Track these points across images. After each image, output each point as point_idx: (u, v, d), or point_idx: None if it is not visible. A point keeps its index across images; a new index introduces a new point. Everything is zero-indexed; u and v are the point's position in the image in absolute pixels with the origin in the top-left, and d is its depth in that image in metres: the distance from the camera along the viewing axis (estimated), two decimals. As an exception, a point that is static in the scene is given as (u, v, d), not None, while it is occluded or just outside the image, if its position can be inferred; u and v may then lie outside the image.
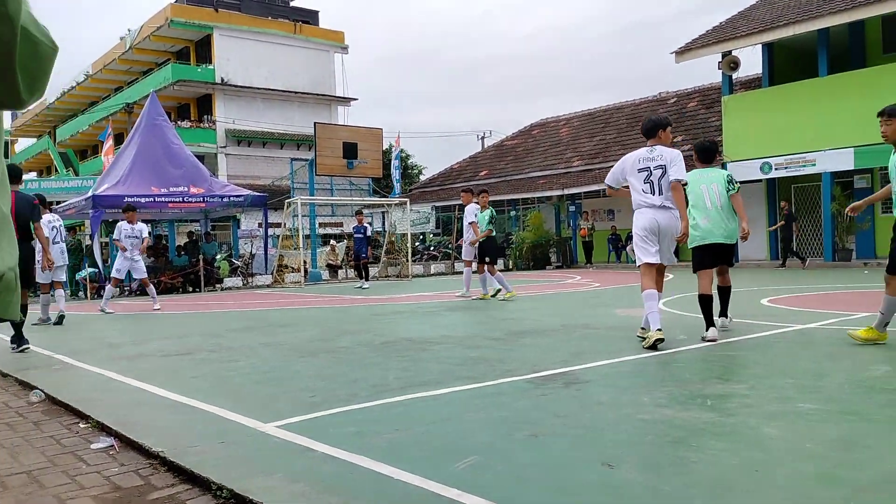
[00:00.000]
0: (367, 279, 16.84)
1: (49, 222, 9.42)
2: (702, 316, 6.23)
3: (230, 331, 8.51)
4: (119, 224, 11.80)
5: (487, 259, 11.45)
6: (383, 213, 19.07)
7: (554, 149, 29.61)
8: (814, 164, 19.01)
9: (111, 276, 11.60)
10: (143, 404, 4.46)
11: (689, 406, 3.86)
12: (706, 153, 6.55)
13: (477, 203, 11.76)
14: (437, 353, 6.04)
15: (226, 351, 6.68)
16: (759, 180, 21.01)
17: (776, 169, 19.77)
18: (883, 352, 5.36)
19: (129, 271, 11.76)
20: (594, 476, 2.77)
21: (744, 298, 10.11)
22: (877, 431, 3.25)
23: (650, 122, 6.13)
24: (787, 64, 21.35)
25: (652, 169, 5.83)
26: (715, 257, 6.30)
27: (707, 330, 6.02)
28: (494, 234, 12.12)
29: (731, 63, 20.53)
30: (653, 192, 5.81)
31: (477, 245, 11.58)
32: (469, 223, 11.75)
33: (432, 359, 5.79)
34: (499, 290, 11.53)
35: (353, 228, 17.59)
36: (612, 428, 3.47)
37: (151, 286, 12.09)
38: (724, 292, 6.75)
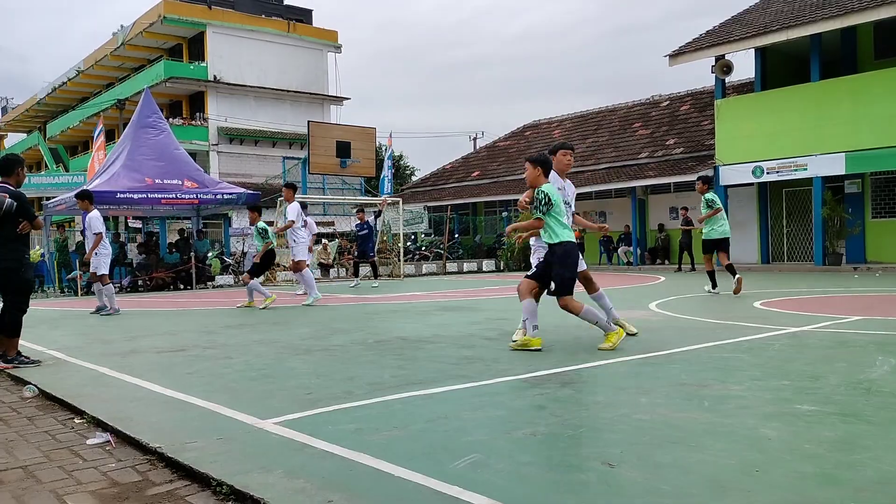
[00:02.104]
0: (377, 277, 16.87)
1: None
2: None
3: (224, 328, 8.47)
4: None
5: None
6: (374, 212, 18.98)
7: (546, 150, 29.65)
8: (805, 169, 19.12)
9: (100, 273, 11.09)
10: (139, 400, 4.43)
11: (687, 407, 3.87)
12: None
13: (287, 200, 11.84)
14: (431, 352, 6.03)
15: (220, 348, 6.65)
16: (752, 184, 21.12)
17: (768, 173, 19.88)
18: (876, 354, 5.39)
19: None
20: (594, 475, 2.77)
21: (737, 301, 10.16)
22: (875, 433, 3.27)
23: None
24: (780, 69, 21.47)
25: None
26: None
27: None
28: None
29: (724, 67, 20.63)
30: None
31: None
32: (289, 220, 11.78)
33: (427, 358, 5.78)
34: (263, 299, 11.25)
35: (356, 226, 17.34)
36: (611, 428, 3.48)
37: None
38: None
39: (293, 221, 11.76)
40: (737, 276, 10.89)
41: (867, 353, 5.45)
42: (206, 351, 6.49)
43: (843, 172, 18.67)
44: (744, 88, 23.69)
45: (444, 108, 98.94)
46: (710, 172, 20.96)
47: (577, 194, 23.90)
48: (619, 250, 24.38)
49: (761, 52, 21.05)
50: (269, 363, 5.72)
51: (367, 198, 24.78)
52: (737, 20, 22.15)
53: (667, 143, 24.74)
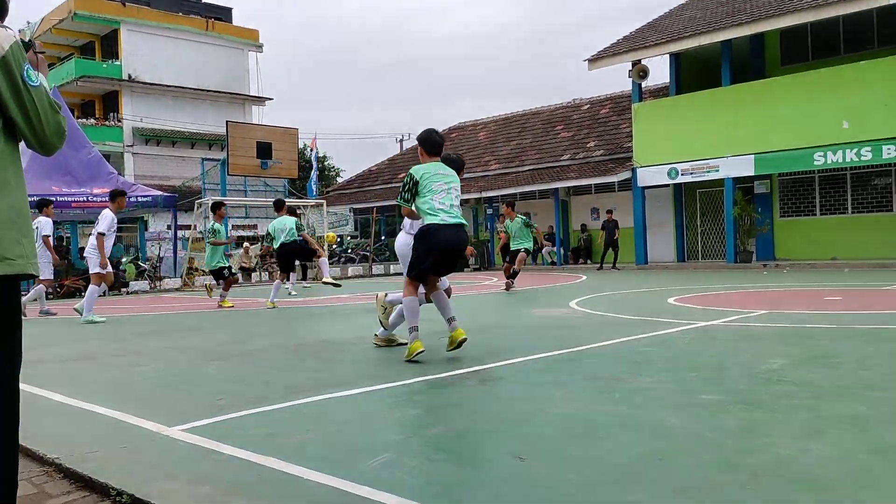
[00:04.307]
0: (305, 279, 17.00)
1: None
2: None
3: (136, 335, 8.17)
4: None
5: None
6: (300, 214, 18.70)
7: (472, 152, 29.87)
8: (717, 170, 19.88)
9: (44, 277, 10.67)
10: (38, 410, 4.22)
11: (599, 400, 3.95)
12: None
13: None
14: (353, 354, 5.98)
15: (131, 355, 6.41)
16: (668, 185, 21.81)
17: (682, 174, 20.57)
18: (779, 346, 5.63)
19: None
20: (505, 469, 2.79)
21: (651, 298, 10.46)
22: (772, 420, 3.41)
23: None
24: (694, 73, 22.26)
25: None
26: None
27: None
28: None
29: (640, 72, 21.24)
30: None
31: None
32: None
33: (348, 359, 5.72)
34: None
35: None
36: (525, 422, 3.51)
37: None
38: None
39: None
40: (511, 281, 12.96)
41: (770, 345, 5.69)
42: (115, 359, 6.24)
43: (753, 173, 19.50)
44: (660, 93, 24.46)
45: (372, 109, 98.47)
46: (627, 174, 21.59)
47: (503, 196, 23.88)
48: (544, 250, 24.77)
49: (676, 58, 21.79)
50: (182, 370, 5.54)
51: (290, 200, 24.39)
52: (652, 26, 22.86)
53: (588, 145, 25.31)
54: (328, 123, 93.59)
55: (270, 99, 41.52)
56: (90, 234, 10.73)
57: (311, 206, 21.64)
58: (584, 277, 17.43)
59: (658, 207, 22.40)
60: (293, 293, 15.14)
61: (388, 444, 3.19)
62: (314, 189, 23.66)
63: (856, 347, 5.39)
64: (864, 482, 2.51)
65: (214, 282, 13.50)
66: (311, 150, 26.79)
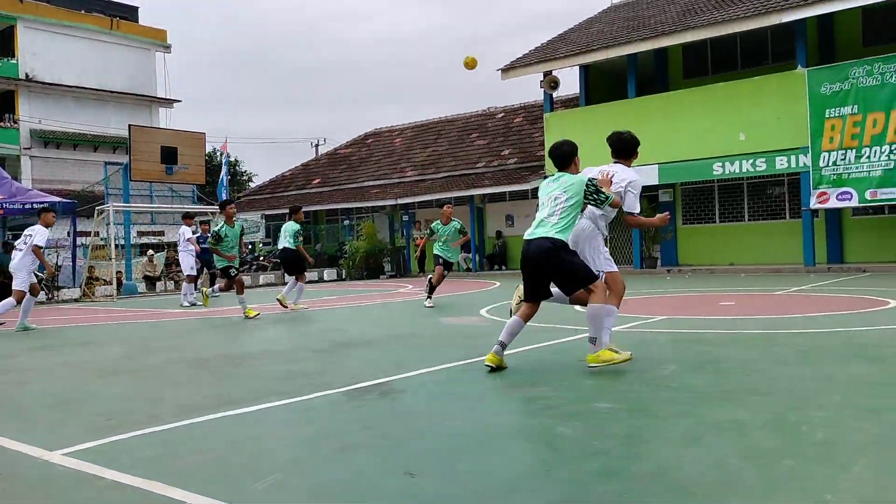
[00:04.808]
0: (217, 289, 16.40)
1: None
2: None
3: (26, 350, 7.75)
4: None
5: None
6: (208, 221, 18.19)
7: (388, 158, 29.85)
8: (624, 179, 20.52)
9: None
10: None
11: (497, 411, 4.01)
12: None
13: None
14: (253, 369, 5.85)
15: (16, 372, 6.08)
16: (578, 193, 22.38)
17: (592, 182, 21.13)
18: (673, 352, 5.86)
19: None
20: (394, 485, 2.79)
21: (559, 305, 10.66)
22: (657, 426, 3.54)
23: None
24: (603, 85, 22.94)
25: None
26: None
27: None
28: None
29: (551, 82, 21.73)
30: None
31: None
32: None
33: (248, 375, 5.60)
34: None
35: (201, 238, 16.62)
36: (420, 437, 3.52)
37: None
38: None
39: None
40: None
41: (665, 351, 5.91)
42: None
43: (657, 182, 20.23)
44: (571, 103, 25.09)
45: (288, 113, 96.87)
46: (538, 183, 22.00)
47: (419, 202, 23.94)
48: (460, 257, 24.94)
49: (585, 69, 22.40)
50: (70, 387, 5.29)
51: (197, 206, 23.69)
52: (562, 38, 23.44)
53: (502, 153, 25.70)
54: (242, 127, 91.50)
55: (178, 101, 40.25)
56: (17, 250, 10.28)
57: (220, 212, 21.06)
58: (498, 284, 17.66)
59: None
60: (197, 303, 14.68)
61: (279, 464, 3.14)
62: (224, 195, 23.04)
63: (743, 352, 5.66)
64: (732, 487, 2.63)
65: (211, 288, 13.06)
66: (222, 154, 26.09)
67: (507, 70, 22.36)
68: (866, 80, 16.75)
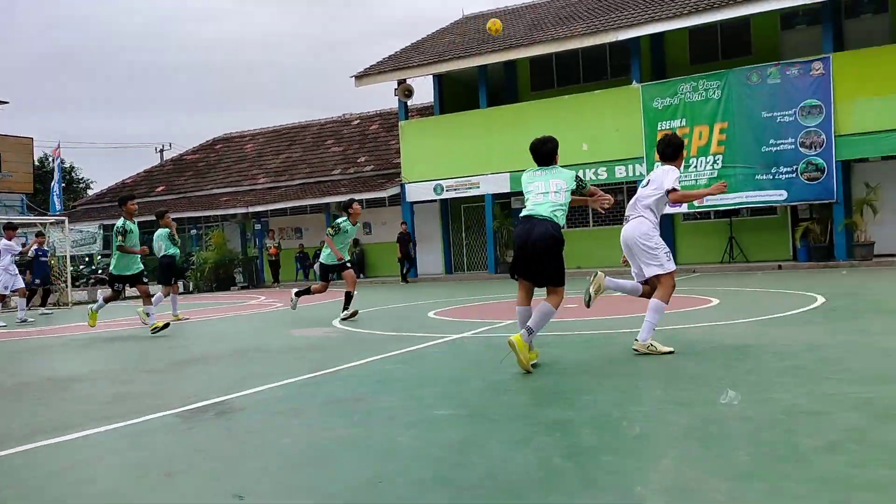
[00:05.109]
0: (45, 305, 15.46)
1: None
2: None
3: None
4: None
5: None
6: (41, 233, 16.77)
7: (238, 165, 28.93)
8: (478, 187, 21.10)
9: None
10: None
11: (336, 423, 3.96)
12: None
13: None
14: (80, 392, 5.46)
15: None
16: (435, 200, 22.71)
17: (447, 190, 21.56)
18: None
19: None
20: (220, 511, 2.68)
21: (414, 312, 10.79)
22: (494, 430, 3.64)
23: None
24: (456, 94, 23.45)
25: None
26: None
27: None
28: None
29: (405, 90, 21.95)
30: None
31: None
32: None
33: (74, 398, 5.21)
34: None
35: (35, 251, 15.69)
36: (254, 456, 3.42)
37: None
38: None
39: None
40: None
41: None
42: None
43: (509, 190, 20.93)
44: (426, 111, 25.45)
45: (131, 117, 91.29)
46: (396, 190, 22.17)
47: (273, 210, 23.27)
48: (316, 266, 24.58)
49: (439, 79, 22.81)
50: None
51: (25, 217, 21.85)
52: (416, 47, 23.75)
53: (358, 160, 25.62)
54: (81, 131, 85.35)
55: (6, 102, 36.92)
56: None
57: (51, 223, 19.52)
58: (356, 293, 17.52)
59: (426, 222, 23.24)
60: (29, 319, 13.59)
61: (98, 496, 2.94)
62: (57, 204, 21.40)
63: (580, 353, 5.95)
64: (553, 485, 2.75)
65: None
66: (54, 160, 24.16)
67: (360, 77, 22.35)
68: (693, 96, 18.21)
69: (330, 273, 10.57)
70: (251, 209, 24.34)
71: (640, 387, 4.48)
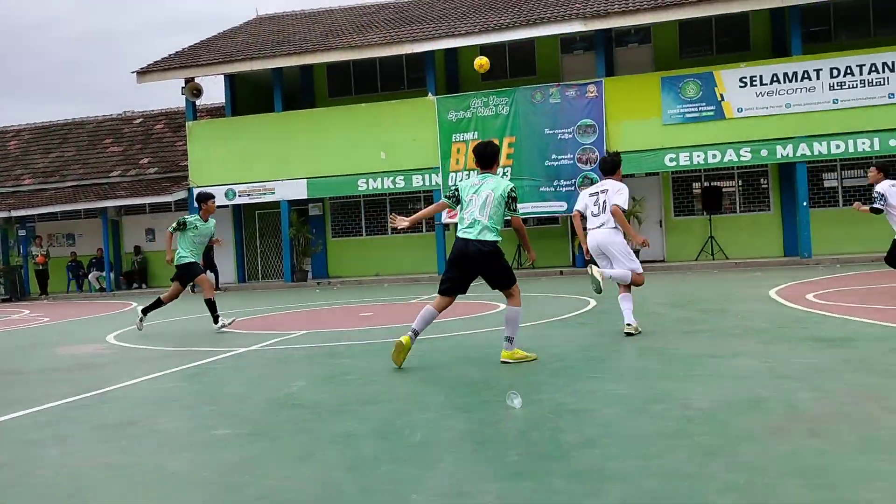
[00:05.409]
0: None
1: None
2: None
3: None
4: None
5: None
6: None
7: (0, 164, 25.81)
8: (273, 193, 20.56)
9: None
10: None
11: (102, 452, 3.63)
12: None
13: None
14: None
15: None
16: (227, 206, 21.78)
17: (240, 196, 20.78)
18: (305, 368, 5.95)
19: None
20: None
21: (201, 325, 10.24)
22: (275, 448, 3.52)
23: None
24: (251, 96, 22.69)
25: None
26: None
27: None
28: None
29: (193, 90, 20.85)
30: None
31: None
32: None
33: None
34: None
35: None
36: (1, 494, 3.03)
37: None
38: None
39: None
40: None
41: (298, 367, 5.97)
42: None
43: (306, 196, 20.63)
44: (217, 112, 24.37)
45: None
46: (184, 194, 21.00)
47: (40, 215, 20.97)
48: (91, 276, 22.60)
49: (231, 79, 21.93)
50: None
51: None
52: (206, 45, 22.67)
53: (141, 161, 23.91)
54: None
55: None
56: None
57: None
58: (134, 305, 16.33)
59: (217, 229, 22.16)
60: None
61: None
62: None
63: (370, 363, 5.95)
64: (333, 500, 2.71)
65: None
66: None
67: (143, 73, 20.89)
68: (484, 111, 19.12)
69: (187, 278, 9.33)
70: (14, 213, 21.80)
71: (425, 393, 4.58)
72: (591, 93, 18.41)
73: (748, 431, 3.28)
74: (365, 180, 20.00)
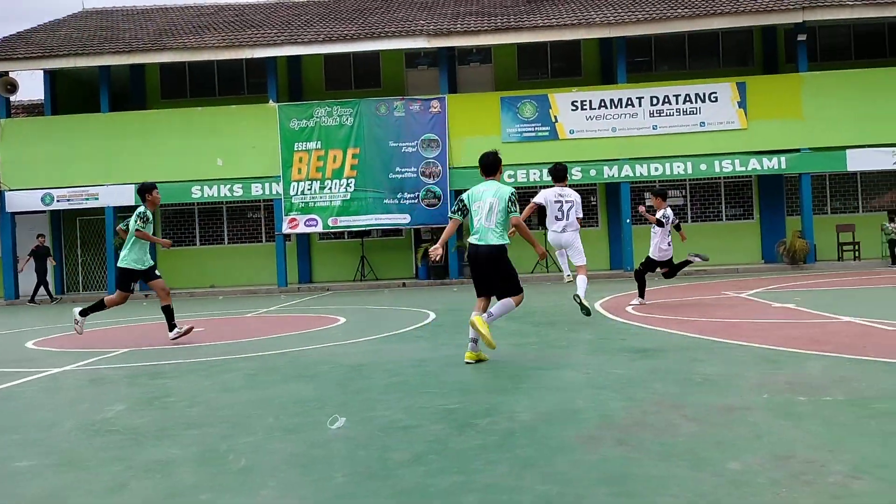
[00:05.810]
0: None
1: None
2: None
3: None
4: None
5: None
6: None
7: None
8: (97, 198, 19.19)
9: None
10: None
11: None
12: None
13: None
14: None
15: None
16: (43, 211, 20.05)
17: (59, 201, 19.21)
18: (124, 390, 5.57)
19: None
20: None
21: (10, 341, 9.34)
22: (83, 479, 3.26)
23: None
24: (75, 95, 21.09)
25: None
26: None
27: None
28: None
29: (8, 84, 19.07)
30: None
31: None
32: None
33: None
34: None
35: None
36: None
37: None
38: None
39: None
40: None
41: (116, 389, 5.58)
42: None
43: (134, 203, 19.39)
44: (36, 110, 22.44)
45: None
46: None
47: None
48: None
49: (51, 75, 20.28)
50: None
51: None
52: (22, 37, 20.81)
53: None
54: None
55: None
56: None
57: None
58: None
59: (32, 235, 20.36)
60: None
61: None
62: None
63: (196, 383, 5.67)
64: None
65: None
66: None
67: (-53, 63, 18.82)
68: (328, 120, 18.95)
69: (132, 281, 8.46)
70: None
71: (252, 415, 4.43)
72: (435, 108, 18.80)
73: (564, 442, 3.46)
74: (200, 188, 19.19)
